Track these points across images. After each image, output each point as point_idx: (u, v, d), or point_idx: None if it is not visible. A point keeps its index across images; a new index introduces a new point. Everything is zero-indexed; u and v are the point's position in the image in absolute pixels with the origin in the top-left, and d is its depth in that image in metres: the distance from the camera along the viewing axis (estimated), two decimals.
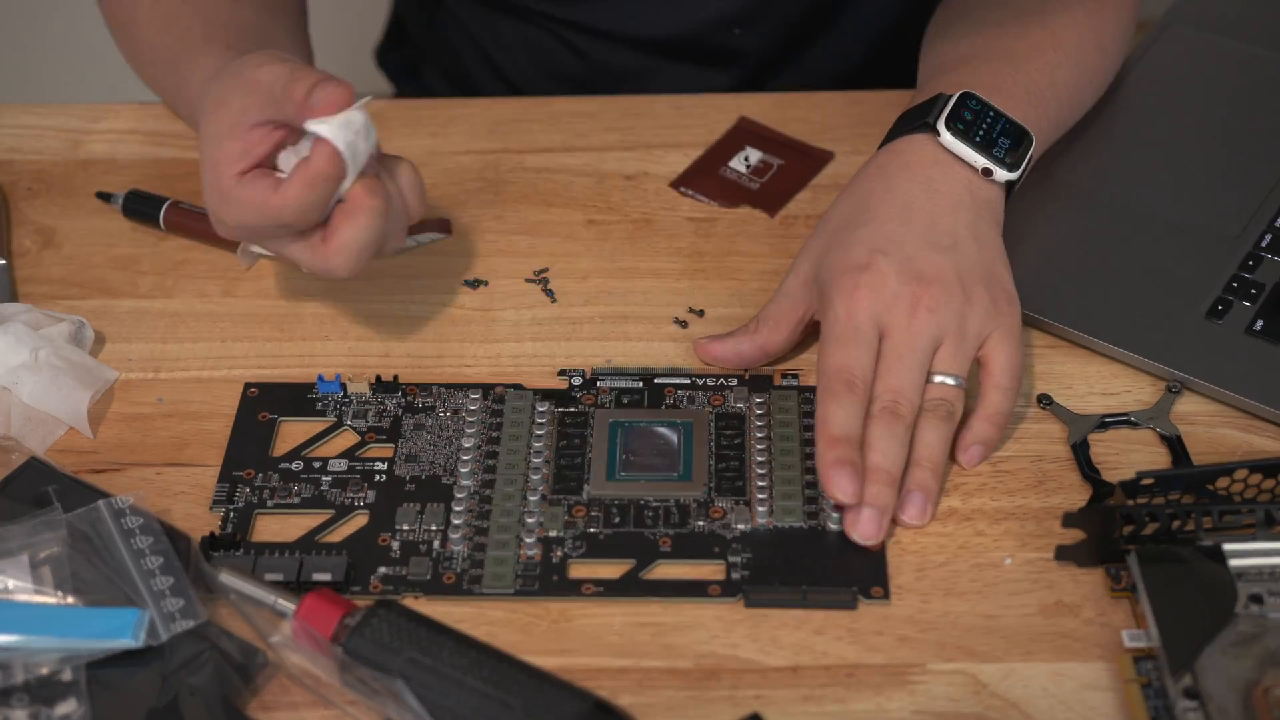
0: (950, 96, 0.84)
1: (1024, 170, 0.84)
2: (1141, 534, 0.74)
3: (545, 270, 0.92)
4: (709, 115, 1.02)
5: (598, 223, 0.95)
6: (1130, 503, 0.73)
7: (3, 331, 0.83)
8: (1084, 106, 0.94)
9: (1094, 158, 0.95)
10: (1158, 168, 0.94)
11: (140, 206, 0.94)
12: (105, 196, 0.96)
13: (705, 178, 0.97)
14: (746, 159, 0.97)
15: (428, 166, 0.98)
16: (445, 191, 0.97)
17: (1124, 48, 0.96)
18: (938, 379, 0.79)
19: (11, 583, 0.72)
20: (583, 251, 0.93)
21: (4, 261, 0.93)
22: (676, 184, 0.96)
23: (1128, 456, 0.81)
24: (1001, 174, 0.83)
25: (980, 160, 0.83)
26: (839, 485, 0.75)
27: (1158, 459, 0.81)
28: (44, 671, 0.69)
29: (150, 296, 0.91)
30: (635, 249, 0.93)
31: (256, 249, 0.91)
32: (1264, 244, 0.88)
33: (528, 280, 0.91)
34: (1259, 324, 0.85)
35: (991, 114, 0.84)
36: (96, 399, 0.84)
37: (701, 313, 0.89)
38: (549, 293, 0.90)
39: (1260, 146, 0.95)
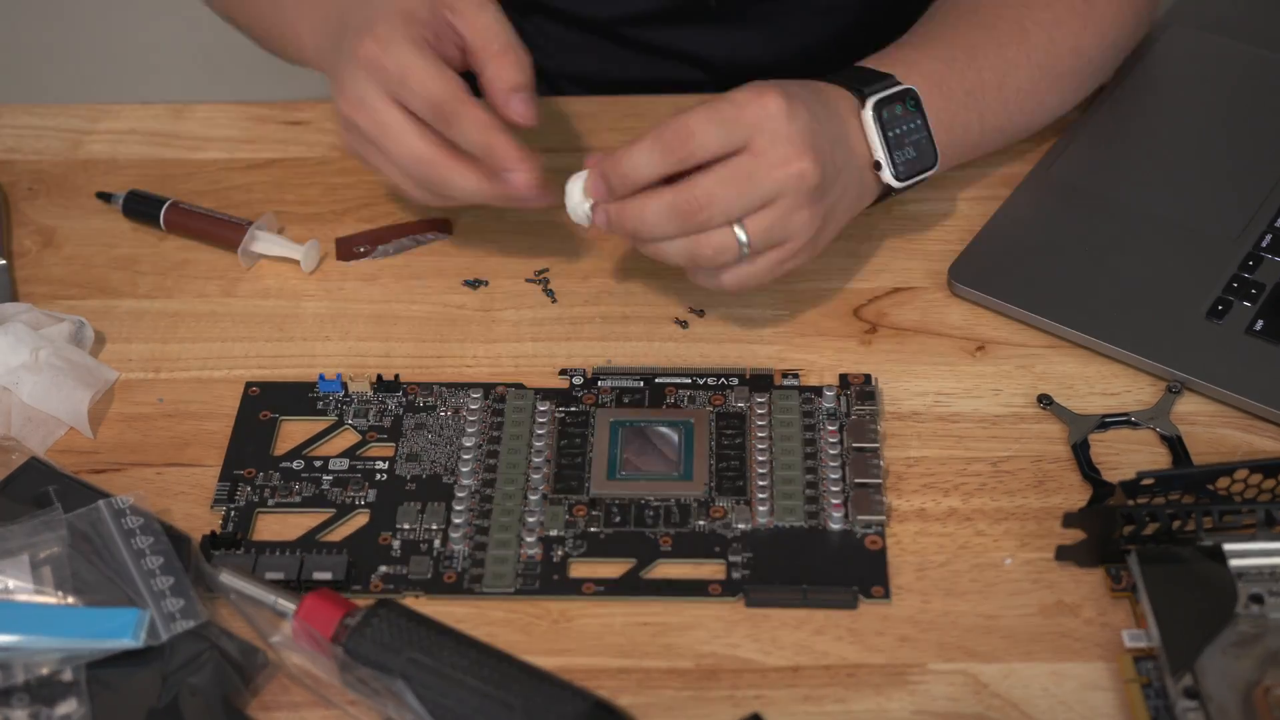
0: (896, 85, 0.84)
1: (907, 186, 0.85)
2: (1142, 534, 0.74)
3: (546, 270, 0.92)
4: None
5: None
6: (1130, 503, 0.73)
7: (3, 332, 0.83)
8: (1045, 109, 0.93)
9: (1094, 158, 0.95)
10: (1158, 168, 0.94)
11: (140, 206, 0.95)
12: (105, 197, 0.96)
13: None
14: None
15: None
16: None
17: (1113, 53, 0.95)
18: (735, 229, 0.79)
19: (12, 583, 0.72)
20: (583, 251, 0.93)
21: (4, 261, 0.93)
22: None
23: (1128, 457, 0.81)
24: (886, 175, 0.84)
25: (879, 153, 0.84)
26: (592, 195, 0.80)
27: (1158, 459, 0.81)
28: (44, 671, 0.69)
29: (150, 296, 0.91)
30: (636, 249, 0.93)
31: (257, 249, 0.91)
32: (1264, 244, 0.88)
33: (528, 280, 0.91)
34: (1259, 324, 0.85)
35: (917, 122, 0.85)
36: (97, 399, 0.84)
37: (701, 312, 0.89)
38: (549, 293, 0.90)
39: (1260, 146, 0.95)
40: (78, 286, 0.92)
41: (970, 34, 0.89)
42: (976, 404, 0.83)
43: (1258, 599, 0.71)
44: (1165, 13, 1.04)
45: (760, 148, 0.78)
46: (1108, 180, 0.93)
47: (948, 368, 0.85)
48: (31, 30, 1.80)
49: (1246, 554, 0.73)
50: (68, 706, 0.69)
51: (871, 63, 0.87)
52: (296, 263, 0.91)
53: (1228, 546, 0.73)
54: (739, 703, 0.71)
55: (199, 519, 0.79)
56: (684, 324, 0.88)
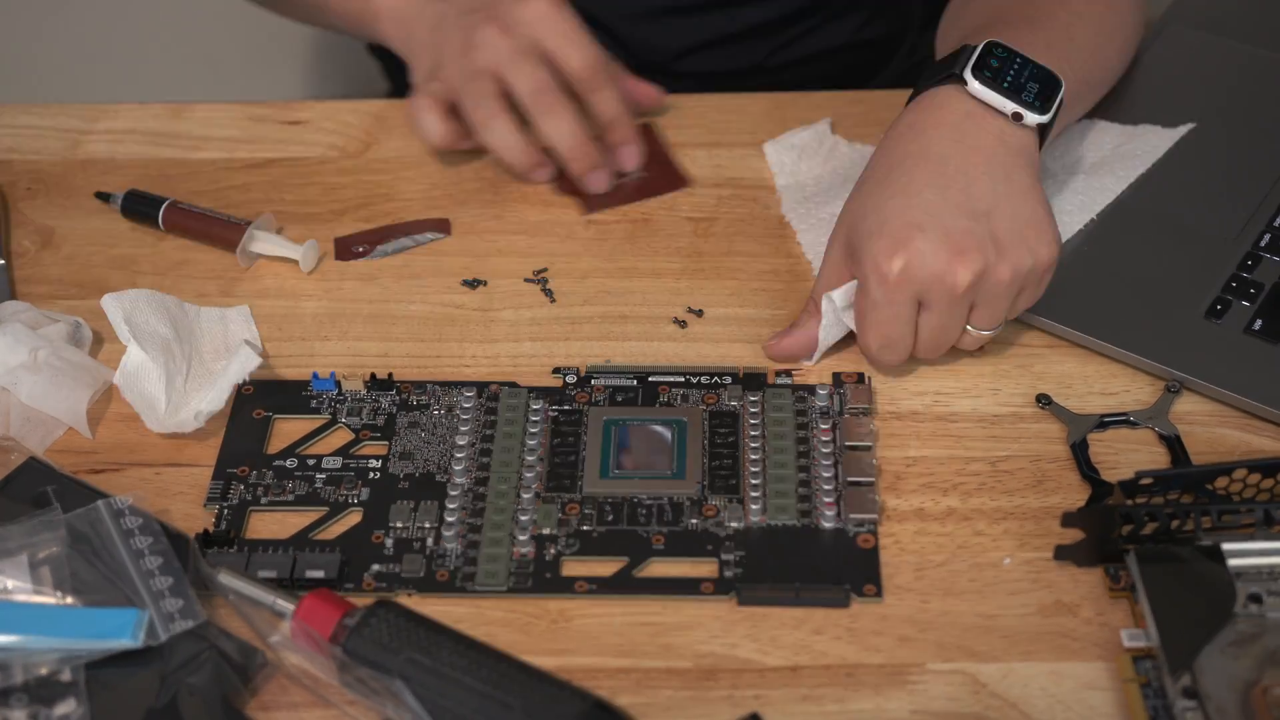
0: (975, 46, 0.83)
1: (1054, 113, 0.83)
2: (1140, 533, 0.74)
3: (544, 270, 0.92)
4: (708, 115, 1.02)
5: (597, 222, 0.95)
6: (1129, 502, 0.73)
7: (1, 331, 0.83)
8: (1108, 64, 0.94)
9: None
10: (1157, 167, 0.94)
11: (139, 206, 0.94)
12: (104, 197, 0.96)
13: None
14: None
15: (427, 166, 0.99)
16: (445, 191, 0.97)
17: (1137, 29, 0.97)
18: (971, 331, 0.82)
19: (11, 583, 0.72)
20: (582, 251, 0.93)
21: (3, 261, 0.93)
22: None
23: (1127, 456, 0.81)
24: (1032, 117, 0.82)
25: (1010, 105, 0.81)
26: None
27: (1157, 459, 0.81)
28: (43, 672, 0.69)
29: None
30: (634, 249, 0.93)
31: (256, 249, 0.91)
32: (1263, 244, 0.88)
33: (527, 280, 0.91)
34: (1258, 324, 0.85)
35: (1019, 60, 0.83)
36: (95, 399, 0.84)
37: (700, 312, 0.89)
38: (548, 292, 0.90)
39: (1259, 146, 0.95)
40: (76, 286, 0.92)
41: (1016, 10, 0.90)
42: (975, 403, 0.83)
43: (1256, 599, 0.71)
44: (1165, 12, 1.04)
45: (930, 301, 0.80)
46: None
47: (946, 367, 0.85)
48: (31, 30, 1.80)
49: (1245, 553, 0.73)
50: (67, 706, 0.69)
51: (937, 59, 0.87)
52: (295, 263, 0.91)
53: (1226, 546, 0.73)
54: (738, 702, 0.71)
55: (197, 519, 0.79)
56: (682, 324, 0.88)
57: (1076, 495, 0.79)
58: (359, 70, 1.95)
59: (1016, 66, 0.83)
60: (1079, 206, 0.91)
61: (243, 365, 0.82)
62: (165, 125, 1.02)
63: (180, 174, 0.99)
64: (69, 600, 0.72)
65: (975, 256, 0.78)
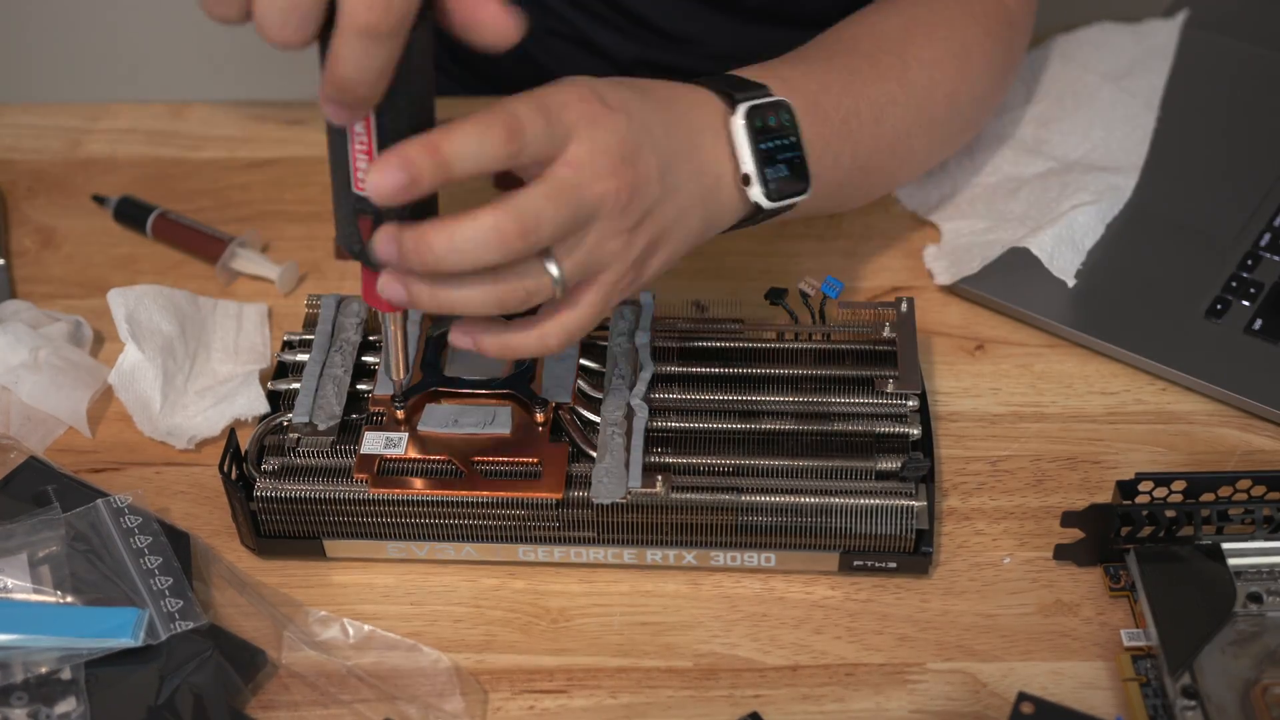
0: (771, 95, 0.75)
1: (777, 209, 0.75)
2: (1140, 533, 0.74)
3: None
4: None
5: None
6: (1126, 503, 0.73)
7: (2, 331, 0.83)
8: (915, 156, 0.86)
9: None
10: (1157, 167, 0.94)
11: (131, 213, 0.94)
12: (100, 200, 0.96)
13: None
14: None
15: None
16: (444, 191, 0.97)
17: (982, 108, 0.90)
18: (548, 265, 0.66)
19: (10, 582, 0.72)
20: None
21: (3, 261, 0.93)
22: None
23: (1128, 456, 0.81)
24: (756, 192, 0.73)
25: (747, 165, 0.73)
26: (386, 180, 0.62)
27: (1156, 459, 0.81)
28: (43, 670, 0.69)
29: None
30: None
31: (236, 266, 0.91)
32: (1263, 243, 0.88)
33: None
34: (1258, 323, 0.85)
35: (791, 139, 0.75)
36: (95, 399, 0.84)
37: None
38: None
39: (1260, 146, 0.95)
40: (76, 286, 0.92)
41: (851, 61, 0.82)
42: (975, 403, 0.83)
43: (1256, 598, 0.71)
44: (1166, 12, 1.04)
45: (577, 158, 0.65)
46: None
47: (946, 367, 0.85)
48: (30, 30, 1.80)
49: (1245, 553, 0.73)
50: (67, 705, 0.69)
51: (743, 73, 0.77)
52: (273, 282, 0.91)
53: (1226, 545, 0.73)
54: (738, 702, 0.71)
55: (198, 518, 0.79)
56: None
57: (1076, 495, 0.79)
58: None
59: (785, 143, 0.75)
60: (1142, 106, 0.94)
61: (248, 404, 0.81)
62: (165, 125, 1.02)
63: (180, 174, 0.99)
64: (69, 599, 0.72)
65: (634, 184, 0.67)
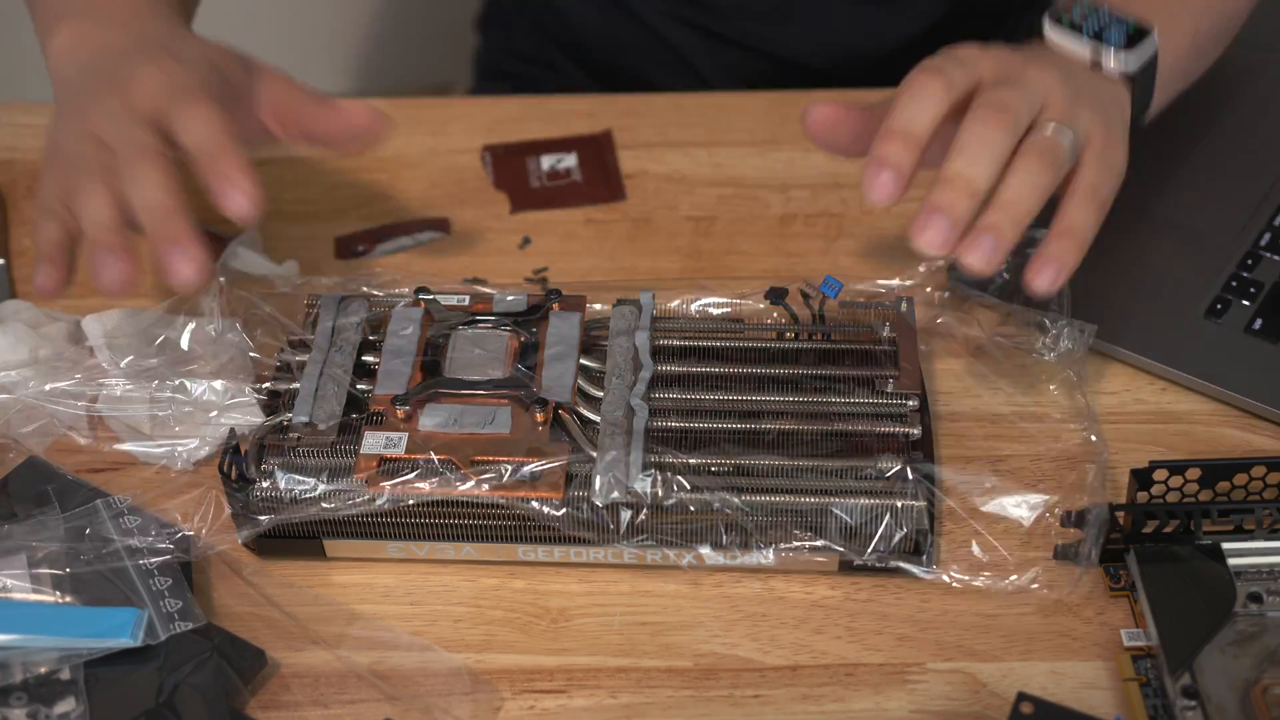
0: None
1: (1143, 66, 0.79)
2: (1141, 532, 0.74)
3: (544, 269, 0.92)
4: (708, 114, 1.02)
5: (597, 222, 0.95)
6: (1142, 493, 0.73)
7: (2, 331, 0.83)
8: (1228, 13, 0.90)
9: None
10: (1157, 166, 0.94)
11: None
12: None
13: (508, 166, 0.98)
14: (558, 161, 0.98)
15: (427, 165, 0.99)
16: (445, 190, 0.97)
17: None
18: (1050, 126, 0.73)
19: (10, 582, 0.72)
20: (581, 251, 0.93)
21: (3, 261, 0.93)
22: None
23: (1128, 456, 0.81)
24: (1110, 61, 0.77)
25: (1084, 49, 0.78)
26: (876, 185, 0.71)
27: (1163, 455, 0.81)
28: (42, 670, 0.69)
29: (149, 296, 0.91)
30: (634, 248, 0.93)
31: (236, 266, 0.91)
32: (1263, 243, 0.88)
33: (527, 280, 0.91)
34: (1258, 323, 0.85)
35: (1103, 9, 0.79)
36: (95, 398, 0.84)
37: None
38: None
39: (1260, 146, 0.95)
40: (76, 286, 0.92)
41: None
42: (975, 403, 0.83)
43: (1256, 598, 0.71)
44: None
45: (1005, 65, 0.74)
46: None
47: (946, 367, 0.85)
48: (31, 30, 1.80)
49: (1245, 553, 0.73)
50: (66, 705, 0.69)
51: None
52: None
53: (1226, 545, 0.73)
54: (737, 702, 0.71)
55: (197, 518, 0.78)
56: None
57: (1077, 495, 0.79)
58: (360, 69, 1.95)
59: (1101, 15, 0.78)
60: None
61: (243, 418, 0.80)
62: None
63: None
64: (68, 599, 0.72)
65: (1065, 77, 0.74)
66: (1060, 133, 0.73)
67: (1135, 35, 0.78)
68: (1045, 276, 0.73)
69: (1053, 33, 0.77)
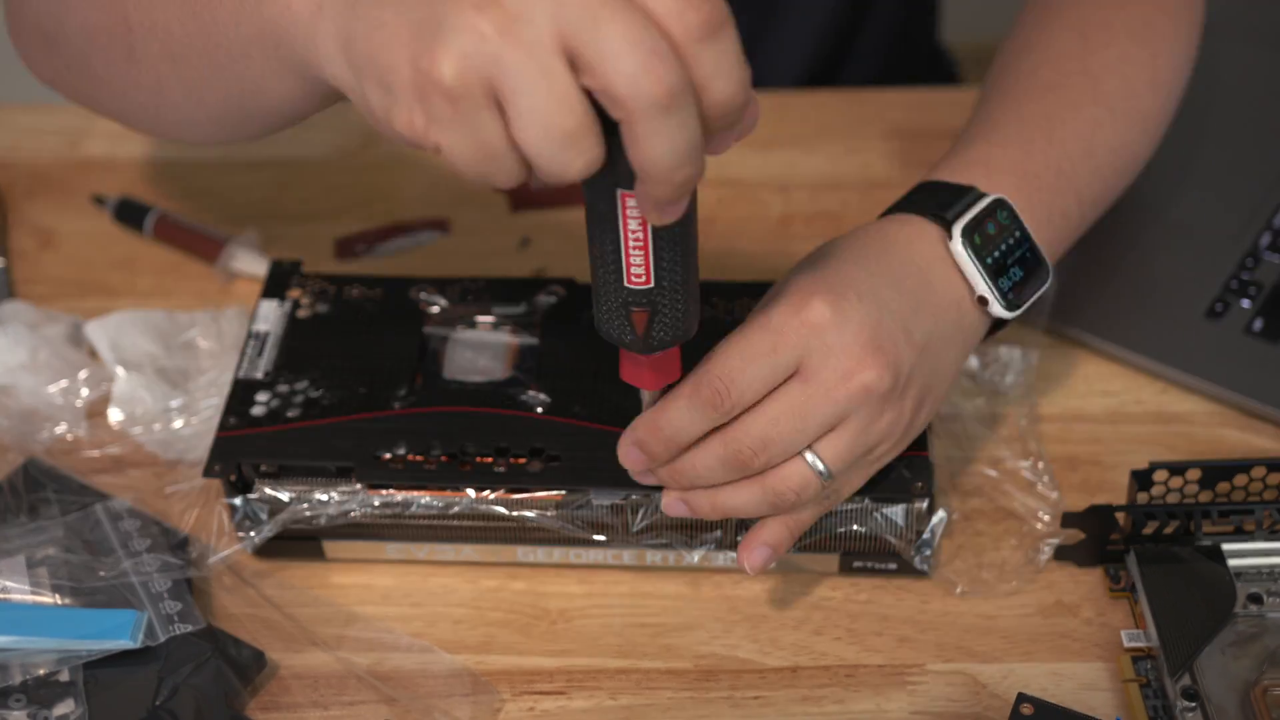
0: (982, 199, 0.72)
1: (1020, 312, 0.73)
2: (1141, 533, 0.74)
3: (544, 269, 0.92)
4: None
5: None
6: (1142, 494, 0.73)
7: (2, 332, 0.83)
8: (1137, 159, 0.83)
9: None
10: (1158, 167, 0.94)
11: (130, 214, 0.94)
12: (100, 200, 0.96)
13: None
14: None
15: (427, 166, 0.99)
16: (444, 191, 0.97)
17: (1185, 67, 0.85)
18: (809, 458, 0.67)
19: (9, 583, 0.72)
20: (581, 250, 0.93)
21: (3, 262, 0.93)
22: None
23: (1125, 457, 0.81)
24: (996, 308, 0.72)
25: (981, 286, 0.71)
26: (630, 459, 0.69)
27: (1159, 456, 0.81)
28: (41, 672, 0.69)
29: (149, 296, 0.91)
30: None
31: (235, 267, 0.91)
32: (1263, 243, 0.88)
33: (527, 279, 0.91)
34: (1258, 323, 0.85)
35: (1016, 235, 0.73)
36: (94, 400, 0.84)
37: None
38: None
39: (1260, 146, 0.95)
40: (76, 286, 0.92)
41: (1040, 104, 0.78)
42: (975, 404, 0.83)
43: (1256, 599, 0.71)
44: None
45: (812, 370, 0.66)
46: None
47: None
48: None
49: (1245, 554, 0.73)
50: (65, 707, 0.69)
51: (943, 173, 0.75)
52: None
53: (1226, 546, 0.73)
54: (737, 704, 0.71)
55: (197, 519, 0.78)
56: None
57: (1076, 495, 0.79)
58: None
59: (1011, 243, 0.73)
60: None
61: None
62: None
63: (180, 174, 0.99)
64: (67, 601, 0.72)
65: (887, 369, 0.67)
66: (817, 467, 0.67)
67: (1031, 280, 0.73)
68: (750, 556, 0.70)
69: (958, 247, 0.71)
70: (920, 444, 0.74)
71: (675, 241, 0.63)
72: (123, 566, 0.73)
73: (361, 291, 0.83)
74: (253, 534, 0.75)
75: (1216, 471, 0.74)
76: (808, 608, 0.75)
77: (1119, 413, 0.83)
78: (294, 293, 0.82)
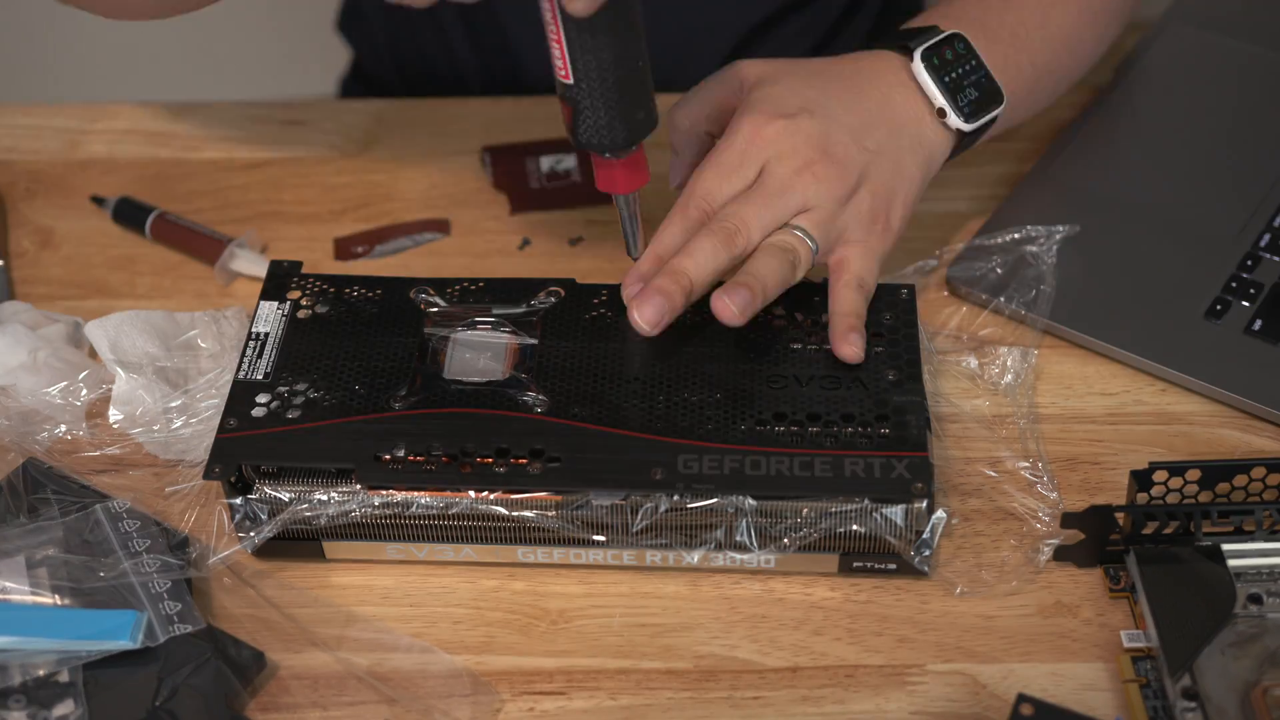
0: (942, 32, 0.83)
1: (980, 125, 0.83)
2: (1141, 534, 0.74)
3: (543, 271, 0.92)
4: None
5: (597, 223, 0.95)
6: (1142, 494, 0.73)
7: (1, 332, 0.83)
8: (1085, 48, 0.92)
9: (1093, 157, 0.95)
10: (1156, 167, 0.94)
11: (130, 213, 0.94)
12: (99, 201, 0.96)
13: (508, 167, 0.98)
14: (558, 162, 0.98)
15: (427, 166, 0.99)
16: (445, 191, 0.97)
17: (1122, 14, 0.94)
18: (795, 229, 0.79)
19: (9, 584, 0.72)
20: (581, 251, 0.93)
21: (2, 262, 0.93)
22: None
23: (1126, 457, 0.81)
24: (954, 119, 0.82)
25: (940, 99, 0.82)
26: (643, 313, 0.76)
27: (1158, 457, 0.80)
28: (41, 673, 0.69)
29: (148, 297, 0.91)
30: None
31: (235, 267, 0.91)
32: (1263, 244, 0.88)
33: None
34: (1258, 324, 0.85)
35: (972, 62, 0.83)
36: (94, 400, 0.84)
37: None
38: None
39: (1260, 146, 0.95)
40: (75, 287, 0.92)
41: None
42: (975, 404, 0.83)
43: (1256, 599, 0.71)
44: (1165, 12, 1.04)
45: (771, 171, 0.78)
46: (1107, 180, 0.93)
47: (946, 367, 0.85)
48: (29, 30, 1.80)
49: (1245, 554, 0.73)
50: (65, 708, 0.69)
51: (910, 24, 0.86)
52: None
53: (1226, 547, 0.73)
54: (737, 704, 0.71)
55: (197, 520, 0.78)
56: None
57: (1076, 495, 0.79)
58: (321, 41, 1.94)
59: (968, 68, 0.83)
60: None
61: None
62: (164, 125, 1.02)
63: (179, 174, 0.99)
64: (66, 602, 0.72)
65: (837, 164, 0.79)
66: (798, 233, 0.79)
67: (987, 100, 0.83)
68: (848, 347, 0.78)
69: (918, 65, 0.82)
70: (920, 444, 0.74)
71: (588, 40, 0.70)
72: (122, 567, 0.73)
73: (361, 292, 0.83)
74: (252, 534, 0.75)
75: (1216, 472, 0.74)
76: (807, 608, 0.75)
77: (1119, 413, 0.83)
78: (294, 294, 0.82)
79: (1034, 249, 0.88)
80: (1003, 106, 0.84)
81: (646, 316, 0.76)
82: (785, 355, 0.79)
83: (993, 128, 0.85)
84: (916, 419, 0.75)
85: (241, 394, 0.77)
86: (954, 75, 0.83)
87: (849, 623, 0.74)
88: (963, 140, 0.84)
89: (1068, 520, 0.74)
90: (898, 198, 0.81)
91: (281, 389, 0.78)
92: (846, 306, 0.79)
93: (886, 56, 0.84)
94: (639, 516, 0.73)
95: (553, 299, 0.82)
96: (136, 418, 0.82)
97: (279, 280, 0.83)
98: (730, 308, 0.75)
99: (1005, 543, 0.77)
